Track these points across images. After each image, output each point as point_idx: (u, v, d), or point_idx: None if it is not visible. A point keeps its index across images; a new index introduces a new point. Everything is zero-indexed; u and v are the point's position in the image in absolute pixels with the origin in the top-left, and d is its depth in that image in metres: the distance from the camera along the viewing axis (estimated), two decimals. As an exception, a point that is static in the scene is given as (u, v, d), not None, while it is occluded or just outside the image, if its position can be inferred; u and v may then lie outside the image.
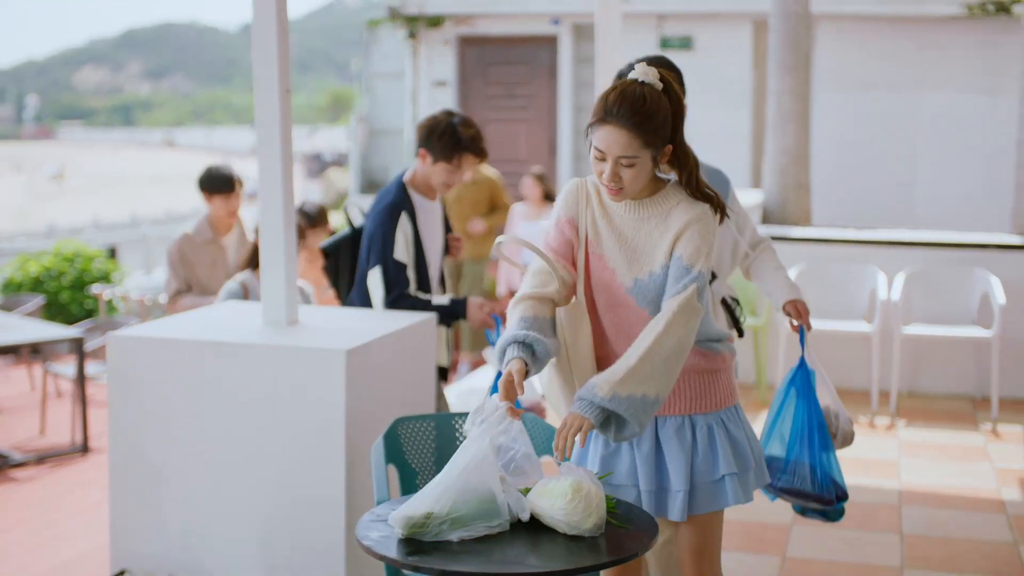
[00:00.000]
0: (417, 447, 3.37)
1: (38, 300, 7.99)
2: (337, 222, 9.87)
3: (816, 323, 6.74)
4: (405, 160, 13.71)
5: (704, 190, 2.75)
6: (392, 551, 2.46)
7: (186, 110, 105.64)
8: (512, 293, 4.02)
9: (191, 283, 5.65)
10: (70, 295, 9.92)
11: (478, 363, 8.46)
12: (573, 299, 2.82)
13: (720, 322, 3.65)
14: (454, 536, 2.48)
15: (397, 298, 4.20)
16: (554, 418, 5.41)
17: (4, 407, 7.45)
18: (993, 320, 6.85)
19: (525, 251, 7.73)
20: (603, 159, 2.67)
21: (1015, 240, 7.53)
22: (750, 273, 3.73)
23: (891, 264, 7.37)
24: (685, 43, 12.59)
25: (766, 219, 8.48)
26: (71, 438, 6.45)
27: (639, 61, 3.33)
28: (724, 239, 3.62)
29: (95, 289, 9.23)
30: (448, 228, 4.60)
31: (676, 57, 3.76)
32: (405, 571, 3.02)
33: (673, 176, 2.79)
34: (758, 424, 6.60)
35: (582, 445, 2.58)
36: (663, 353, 2.62)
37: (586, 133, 2.71)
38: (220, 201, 5.73)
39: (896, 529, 4.99)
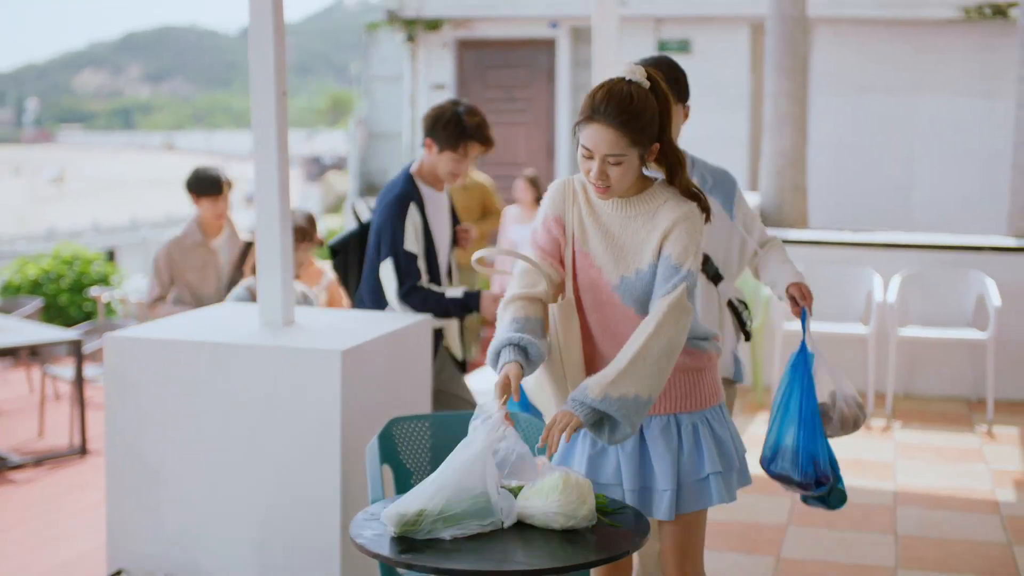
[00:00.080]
0: (412, 447, 3.39)
1: (37, 303, 8.01)
2: (335, 224, 9.89)
3: (812, 325, 6.74)
4: (404, 163, 13.72)
5: (691, 189, 2.77)
6: (385, 549, 2.47)
7: (186, 113, 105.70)
8: None
9: (178, 288, 5.60)
10: (69, 298, 9.95)
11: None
12: (562, 297, 2.83)
13: (727, 325, 3.61)
14: (446, 534, 2.49)
15: (410, 290, 4.18)
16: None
17: (2, 409, 7.47)
18: (988, 322, 6.88)
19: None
20: (590, 157, 2.69)
21: (1010, 242, 7.55)
22: (758, 270, 3.67)
23: (887, 266, 7.40)
24: (683, 46, 12.61)
25: (763, 221, 8.49)
26: (69, 440, 6.46)
27: (647, 59, 3.35)
28: (731, 240, 3.57)
29: (94, 292, 9.26)
30: (456, 220, 4.59)
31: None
32: (399, 569, 3.05)
33: (661, 175, 2.81)
34: (757, 426, 6.63)
35: (567, 440, 2.59)
36: (654, 353, 2.63)
37: (574, 131, 2.72)
38: (208, 203, 5.69)
39: (891, 530, 5.00)
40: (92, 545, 4.78)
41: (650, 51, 12.35)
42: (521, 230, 8.52)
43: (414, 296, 4.19)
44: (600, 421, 2.66)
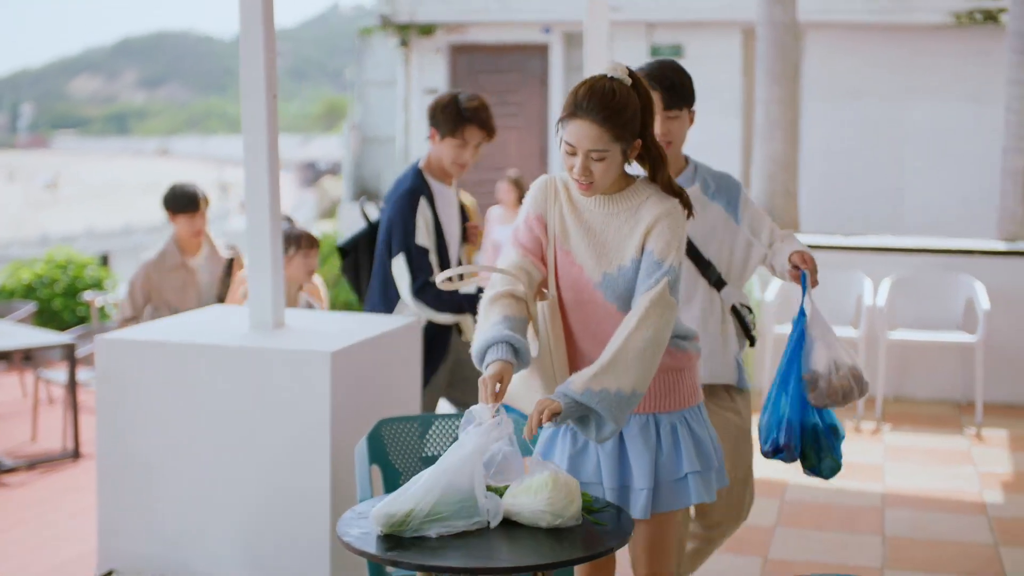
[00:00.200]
0: (400, 448, 3.41)
1: (30, 307, 8.02)
2: (329, 229, 9.90)
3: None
4: (397, 168, 13.76)
5: (673, 186, 2.79)
6: (372, 547, 2.50)
7: (181, 119, 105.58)
8: None
9: (157, 307, 5.51)
10: (62, 302, 9.97)
11: None
12: (547, 292, 2.85)
13: (729, 331, 3.54)
14: (432, 532, 2.52)
15: (423, 286, 4.16)
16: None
17: (-4, 413, 7.49)
18: (978, 325, 6.91)
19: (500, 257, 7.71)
20: (573, 153, 2.71)
21: (1000, 246, 7.59)
22: (772, 267, 3.52)
23: (877, 270, 7.43)
24: (675, 51, 12.66)
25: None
26: (63, 444, 6.47)
27: (653, 63, 3.39)
28: (736, 244, 3.51)
29: (87, 296, 9.26)
30: (465, 216, 4.56)
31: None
32: (387, 568, 3.08)
33: (643, 172, 2.84)
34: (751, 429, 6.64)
35: (546, 421, 2.58)
36: (637, 347, 2.65)
37: (557, 129, 2.75)
38: (185, 220, 5.57)
39: (878, 531, 5.03)
40: (86, 548, 4.79)
41: (642, 56, 12.39)
42: (504, 231, 8.52)
43: (428, 292, 4.16)
44: (586, 417, 2.68)
